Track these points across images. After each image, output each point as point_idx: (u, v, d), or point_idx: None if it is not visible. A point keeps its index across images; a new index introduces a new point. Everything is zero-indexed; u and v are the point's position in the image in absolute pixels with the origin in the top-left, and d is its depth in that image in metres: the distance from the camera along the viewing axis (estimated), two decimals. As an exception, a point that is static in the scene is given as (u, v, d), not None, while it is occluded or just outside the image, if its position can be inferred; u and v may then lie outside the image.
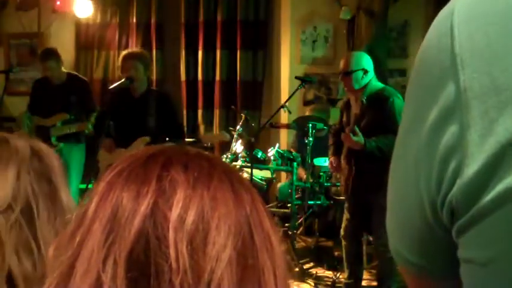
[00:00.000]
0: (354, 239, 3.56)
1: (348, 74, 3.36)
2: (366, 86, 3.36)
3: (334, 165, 3.65)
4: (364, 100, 3.33)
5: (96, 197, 0.50)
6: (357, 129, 3.23)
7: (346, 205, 3.58)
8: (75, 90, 4.43)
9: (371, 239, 3.72)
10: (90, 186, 3.77)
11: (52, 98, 4.39)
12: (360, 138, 3.21)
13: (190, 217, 0.47)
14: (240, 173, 0.59)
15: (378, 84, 3.41)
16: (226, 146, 4.92)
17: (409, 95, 0.55)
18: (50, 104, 4.37)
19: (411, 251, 0.55)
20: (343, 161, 3.51)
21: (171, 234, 0.46)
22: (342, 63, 3.45)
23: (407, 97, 0.55)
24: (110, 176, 0.52)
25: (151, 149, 0.55)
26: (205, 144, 4.24)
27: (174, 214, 0.47)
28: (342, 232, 3.59)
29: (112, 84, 4.07)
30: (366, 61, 3.39)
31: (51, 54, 4.39)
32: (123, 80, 3.82)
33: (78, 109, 4.36)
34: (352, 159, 3.39)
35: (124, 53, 4.03)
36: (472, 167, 0.45)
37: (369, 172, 3.28)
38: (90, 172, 4.02)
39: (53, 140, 4.32)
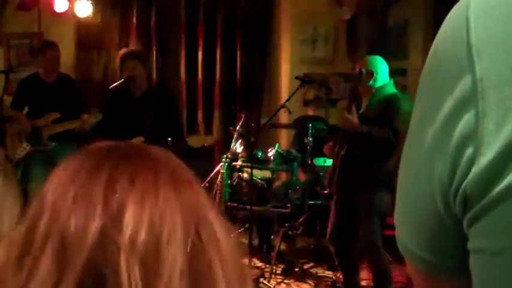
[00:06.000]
0: (342, 243, 3.39)
1: (360, 75, 3.33)
2: (377, 88, 3.31)
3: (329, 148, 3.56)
4: (373, 102, 3.28)
5: (44, 221, 0.48)
6: (353, 109, 3.20)
7: (332, 205, 3.44)
8: (65, 89, 4.41)
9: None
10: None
11: (42, 97, 4.34)
12: (354, 116, 3.16)
13: (141, 237, 0.46)
14: (184, 168, 0.56)
15: (391, 89, 3.34)
16: (226, 146, 4.91)
17: (423, 87, 0.55)
18: (40, 104, 4.32)
19: (420, 245, 0.55)
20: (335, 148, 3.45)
21: (122, 262, 0.45)
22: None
23: (420, 90, 0.55)
24: (55, 196, 0.49)
25: (92, 161, 0.52)
26: (206, 144, 4.22)
27: (125, 237, 0.46)
28: (327, 236, 3.43)
29: (112, 84, 4.04)
30: (379, 64, 3.36)
31: (56, 45, 4.48)
32: (123, 79, 3.80)
33: (69, 108, 4.32)
34: (341, 151, 3.33)
35: (122, 52, 3.99)
36: (487, 156, 0.45)
37: (354, 169, 3.24)
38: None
39: (45, 139, 4.28)
